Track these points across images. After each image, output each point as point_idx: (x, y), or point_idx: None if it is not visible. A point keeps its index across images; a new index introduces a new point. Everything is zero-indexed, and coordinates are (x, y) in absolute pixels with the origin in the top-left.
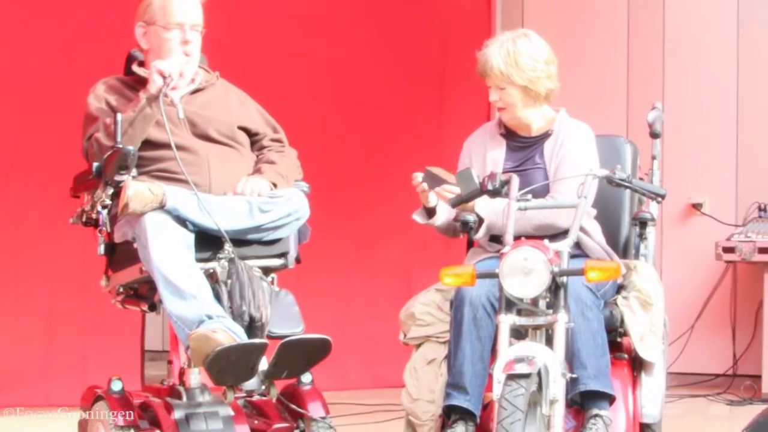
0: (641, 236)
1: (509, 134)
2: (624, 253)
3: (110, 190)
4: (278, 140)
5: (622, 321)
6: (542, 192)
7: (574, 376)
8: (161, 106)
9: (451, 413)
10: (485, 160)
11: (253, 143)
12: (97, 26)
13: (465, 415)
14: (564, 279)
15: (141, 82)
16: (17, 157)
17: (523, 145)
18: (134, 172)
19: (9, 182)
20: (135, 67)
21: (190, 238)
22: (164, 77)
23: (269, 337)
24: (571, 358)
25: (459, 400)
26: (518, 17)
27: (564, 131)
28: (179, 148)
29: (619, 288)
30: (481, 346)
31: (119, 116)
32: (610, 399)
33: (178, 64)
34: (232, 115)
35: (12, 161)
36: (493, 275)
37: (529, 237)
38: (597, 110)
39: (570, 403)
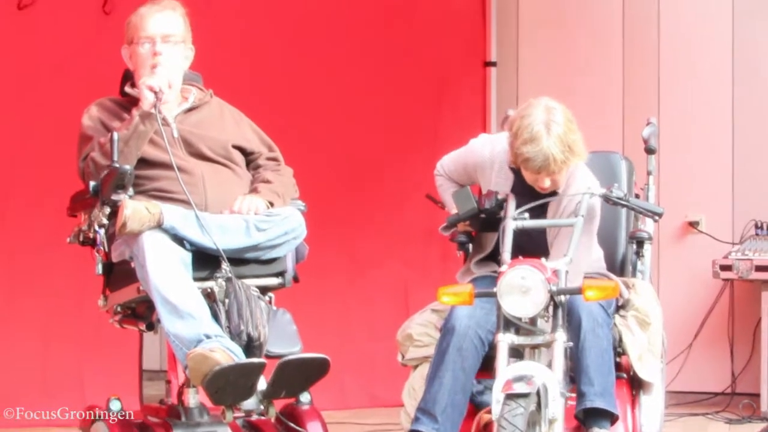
0: (638, 254)
1: (518, 171)
2: (621, 270)
3: (107, 210)
4: (274, 159)
5: (621, 340)
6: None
7: (571, 395)
8: (158, 120)
9: None
10: (489, 187)
11: (248, 162)
12: (92, 46)
13: None
14: (562, 298)
15: (134, 103)
16: (14, 175)
17: (530, 187)
18: (131, 191)
19: (6, 202)
20: (127, 88)
21: (188, 257)
22: (155, 92)
23: (267, 356)
24: (579, 374)
25: (426, 427)
26: (513, 35)
27: (567, 198)
28: (173, 167)
29: (618, 307)
30: (465, 376)
31: (115, 135)
32: (612, 419)
33: (165, 77)
34: (226, 134)
35: (8, 180)
36: (491, 294)
37: (526, 255)
38: (593, 126)
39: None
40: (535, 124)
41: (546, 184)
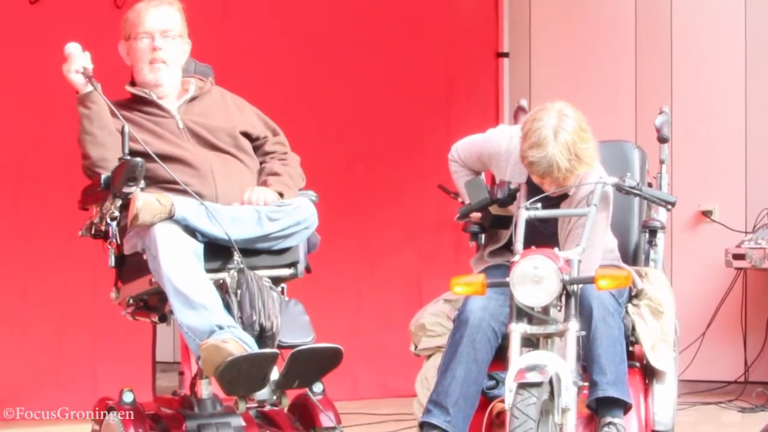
0: (651, 243)
1: None
2: (634, 259)
3: (119, 202)
4: (280, 143)
5: (633, 329)
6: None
7: (584, 384)
8: (99, 93)
9: (425, 427)
10: (504, 178)
11: (256, 148)
12: (103, 40)
13: None
14: (575, 287)
15: (137, 100)
16: (27, 169)
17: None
18: (142, 183)
19: (19, 194)
20: (127, 87)
21: (200, 248)
22: (83, 73)
23: (280, 346)
24: (591, 364)
25: (438, 419)
26: (526, 26)
27: (581, 194)
28: (182, 159)
29: (631, 296)
30: (477, 369)
31: (126, 128)
32: (625, 407)
33: (81, 56)
34: (232, 120)
35: (22, 173)
36: (504, 284)
37: (539, 245)
38: (605, 115)
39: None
40: (543, 129)
41: (551, 188)
